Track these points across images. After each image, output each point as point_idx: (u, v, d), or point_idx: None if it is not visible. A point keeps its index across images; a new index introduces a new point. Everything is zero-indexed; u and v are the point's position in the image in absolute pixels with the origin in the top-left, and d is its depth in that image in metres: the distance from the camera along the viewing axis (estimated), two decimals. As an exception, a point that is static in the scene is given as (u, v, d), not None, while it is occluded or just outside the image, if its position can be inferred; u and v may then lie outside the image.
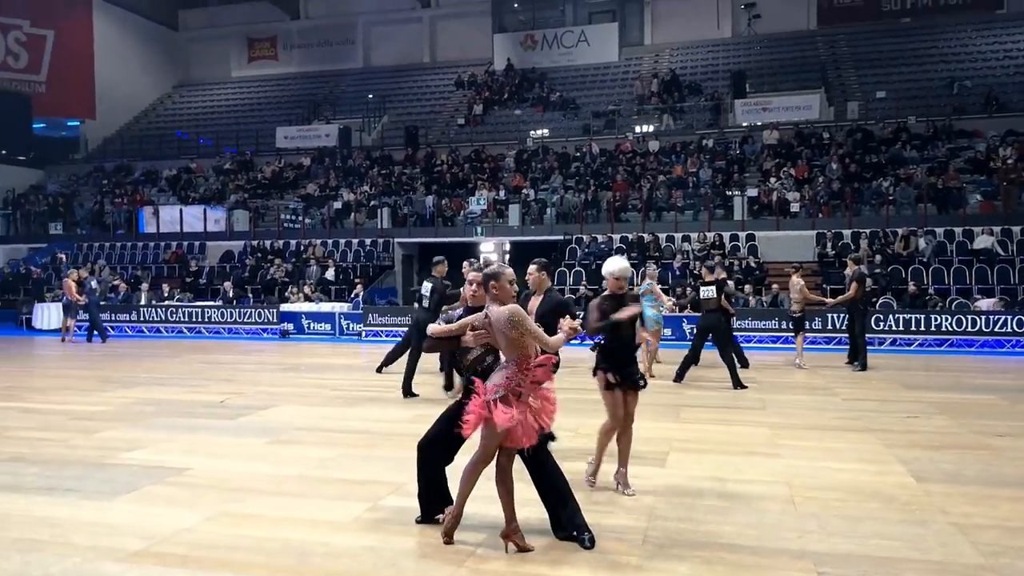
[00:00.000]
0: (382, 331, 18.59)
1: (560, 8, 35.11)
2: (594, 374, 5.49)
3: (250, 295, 21.96)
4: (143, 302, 20.87)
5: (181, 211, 26.50)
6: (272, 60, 38.72)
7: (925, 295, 17.53)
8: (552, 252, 21.80)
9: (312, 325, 19.57)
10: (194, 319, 20.34)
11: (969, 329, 15.96)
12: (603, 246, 21.34)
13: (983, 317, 16.01)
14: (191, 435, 7.60)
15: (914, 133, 23.84)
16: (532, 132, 28.75)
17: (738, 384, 10.39)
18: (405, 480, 5.37)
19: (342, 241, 24.57)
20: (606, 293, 5.55)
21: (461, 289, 9.11)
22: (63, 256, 25.21)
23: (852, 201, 20.99)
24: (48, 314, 21.19)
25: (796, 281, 13.09)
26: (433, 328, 4.77)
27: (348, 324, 19.34)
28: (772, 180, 22.69)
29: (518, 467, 4.48)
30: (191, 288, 22.58)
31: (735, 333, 12.66)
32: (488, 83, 32.62)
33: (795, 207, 21.57)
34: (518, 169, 26.09)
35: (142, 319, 20.55)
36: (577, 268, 20.64)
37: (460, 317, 4.77)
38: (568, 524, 4.53)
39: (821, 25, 31.95)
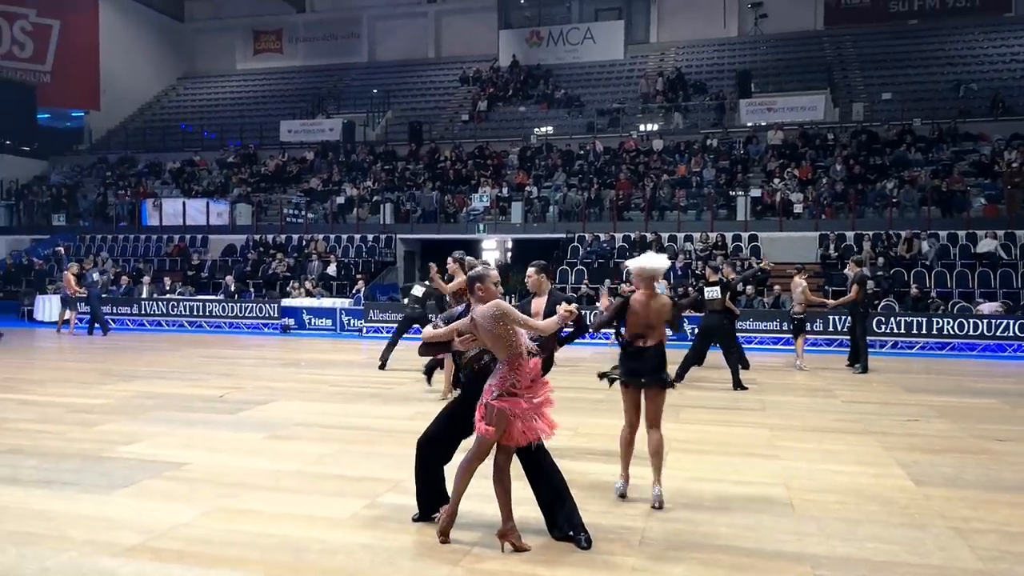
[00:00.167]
0: (383, 327, 18.56)
1: (566, 5, 34.98)
2: None
3: (251, 290, 21.97)
4: (144, 295, 20.87)
5: (184, 204, 26.50)
6: (277, 53, 38.67)
7: (927, 298, 17.49)
8: (554, 250, 21.81)
9: (313, 320, 19.57)
10: (195, 313, 20.34)
11: (971, 333, 15.88)
12: (605, 245, 21.32)
13: (985, 321, 15.94)
14: (189, 429, 7.60)
15: (919, 135, 23.74)
16: (536, 129, 28.69)
17: (738, 385, 10.39)
18: (403, 477, 5.36)
19: (344, 236, 24.56)
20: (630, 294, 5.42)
21: (433, 277, 9.29)
22: (61, 249, 25.21)
23: (856, 203, 20.92)
24: (50, 306, 21.21)
25: (798, 282, 13.08)
26: (425, 333, 4.79)
27: (349, 320, 19.33)
28: (776, 181, 22.63)
29: (515, 466, 4.47)
30: (193, 282, 22.58)
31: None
32: (493, 79, 32.55)
33: (798, 208, 21.51)
34: (521, 166, 26.04)
35: (143, 312, 20.56)
36: (579, 267, 20.62)
37: (461, 315, 4.76)
38: (565, 524, 4.51)
39: (828, 25, 31.87)
